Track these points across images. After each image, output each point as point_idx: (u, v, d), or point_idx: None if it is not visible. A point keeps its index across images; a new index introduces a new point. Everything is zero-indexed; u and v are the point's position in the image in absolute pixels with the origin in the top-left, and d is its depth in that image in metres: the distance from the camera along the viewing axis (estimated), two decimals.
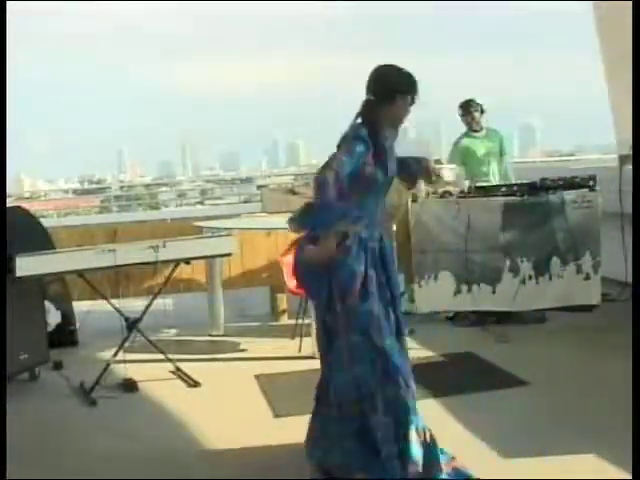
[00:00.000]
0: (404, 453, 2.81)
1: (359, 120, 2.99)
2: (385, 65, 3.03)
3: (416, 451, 2.82)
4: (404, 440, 2.82)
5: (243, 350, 5.25)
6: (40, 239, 5.06)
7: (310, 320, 4.90)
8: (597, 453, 3.12)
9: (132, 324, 4.56)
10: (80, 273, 4.48)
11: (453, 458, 3.00)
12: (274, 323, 6.05)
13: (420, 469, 2.81)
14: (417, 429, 2.86)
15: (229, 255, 4.86)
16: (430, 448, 2.88)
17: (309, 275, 3.01)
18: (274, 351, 5.06)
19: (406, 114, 3.02)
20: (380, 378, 2.87)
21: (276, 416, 3.85)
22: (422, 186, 5.49)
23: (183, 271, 4.92)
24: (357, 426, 2.86)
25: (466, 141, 6.16)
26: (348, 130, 2.96)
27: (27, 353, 4.49)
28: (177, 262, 4.61)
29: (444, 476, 2.88)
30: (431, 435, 2.92)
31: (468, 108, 6.11)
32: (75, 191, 25.15)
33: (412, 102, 3.00)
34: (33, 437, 3.71)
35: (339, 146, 2.93)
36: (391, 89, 2.97)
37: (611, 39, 6.57)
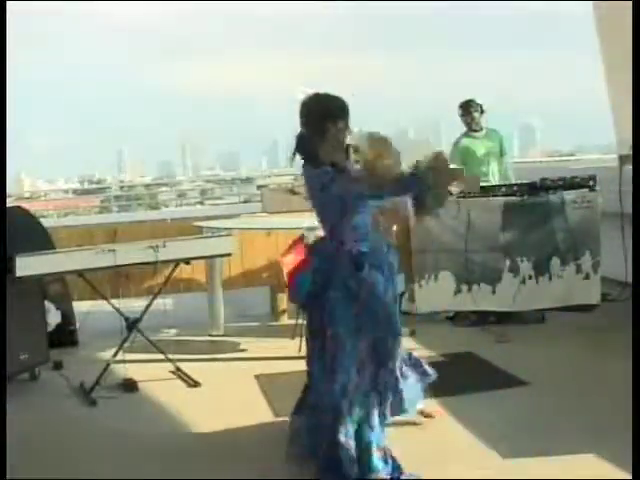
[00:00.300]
0: (366, 462, 2.92)
1: (298, 157, 3.05)
2: (312, 96, 3.05)
3: (376, 466, 2.93)
4: (367, 452, 2.95)
5: (243, 350, 5.25)
6: (40, 239, 5.05)
7: None
8: (597, 453, 3.12)
9: (132, 324, 4.56)
10: (80, 273, 4.48)
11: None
12: (274, 323, 6.05)
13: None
14: (378, 445, 2.98)
15: (229, 255, 4.86)
16: (389, 464, 2.97)
17: (306, 296, 3.14)
18: (274, 351, 5.06)
19: (343, 139, 3.02)
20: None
21: (276, 416, 3.85)
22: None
23: (183, 271, 4.92)
24: (328, 437, 2.98)
25: (466, 141, 6.16)
26: (314, 173, 3.03)
27: (27, 353, 4.49)
28: (177, 262, 4.61)
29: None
30: (390, 454, 3.01)
31: (468, 108, 6.11)
32: (75, 191, 25.17)
33: (346, 126, 3.02)
34: (33, 437, 3.71)
35: (315, 188, 3.05)
36: (322, 119, 2.99)
37: (611, 39, 6.57)
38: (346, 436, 2.93)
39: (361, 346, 3.03)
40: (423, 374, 3.44)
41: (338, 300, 3.02)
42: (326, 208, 3.10)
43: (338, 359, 3.02)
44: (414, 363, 3.46)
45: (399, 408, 3.23)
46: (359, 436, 2.98)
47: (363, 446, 2.96)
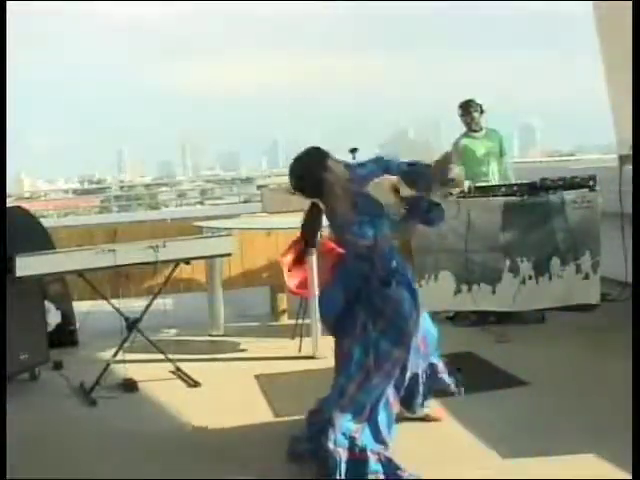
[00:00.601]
0: (365, 466, 2.96)
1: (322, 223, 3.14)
2: (292, 166, 3.13)
3: (375, 466, 2.97)
4: (364, 456, 2.98)
5: (243, 350, 5.25)
6: (40, 239, 5.06)
7: (310, 320, 4.91)
8: (597, 453, 3.12)
9: (132, 324, 4.56)
10: (80, 273, 4.48)
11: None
12: (274, 323, 6.05)
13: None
14: (372, 450, 3.01)
15: (229, 255, 4.86)
16: (386, 466, 2.99)
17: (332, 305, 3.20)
18: (274, 351, 5.07)
19: (341, 174, 3.08)
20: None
21: (276, 416, 3.85)
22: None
23: (183, 271, 4.92)
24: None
25: (465, 141, 6.15)
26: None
27: (27, 353, 4.49)
28: (177, 262, 4.61)
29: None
30: (385, 456, 3.03)
31: (468, 108, 6.10)
32: (75, 191, 25.21)
33: (331, 160, 3.09)
34: (33, 437, 3.71)
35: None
36: (316, 182, 3.04)
37: (611, 39, 6.57)
38: (335, 444, 2.96)
39: (372, 357, 3.07)
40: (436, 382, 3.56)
41: (362, 316, 3.08)
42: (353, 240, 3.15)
43: (344, 365, 3.09)
44: (433, 371, 3.56)
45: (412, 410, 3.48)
46: (354, 442, 3.00)
47: (359, 450, 2.99)
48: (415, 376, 3.43)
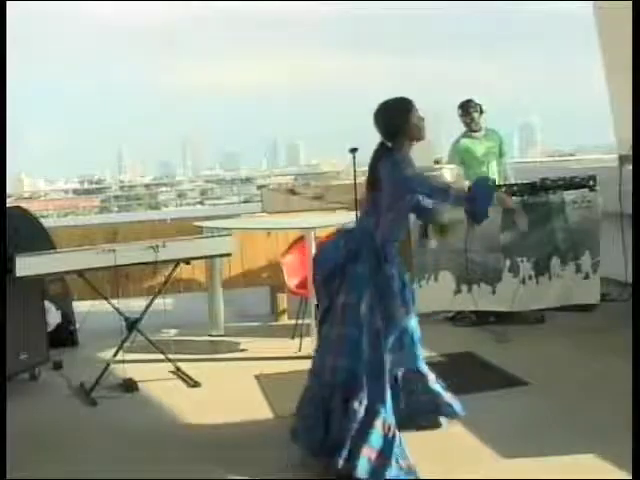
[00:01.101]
0: (365, 439, 2.98)
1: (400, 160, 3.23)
2: (379, 110, 3.31)
3: (376, 440, 2.99)
4: (370, 427, 3.00)
5: (243, 350, 5.25)
6: (40, 239, 5.06)
7: (310, 320, 4.91)
8: (597, 453, 3.12)
9: (132, 324, 4.56)
10: (80, 273, 4.48)
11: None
12: (274, 323, 6.05)
13: (374, 455, 2.97)
14: (384, 422, 3.03)
15: (229, 255, 4.86)
16: (389, 442, 3.01)
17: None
18: (274, 351, 5.07)
19: (422, 127, 3.32)
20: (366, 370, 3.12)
21: (276, 416, 3.85)
22: None
23: (183, 271, 4.92)
24: (331, 408, 3.10)
25: (465, 141, 6.15)
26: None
27: (27, 353, 4.49)
28: (177, 262, 4.61)
29: (393, 472, 2.97)
30: (394, 432, 3.04)
31: (467, 108, 6.10)
32: (75, 191, 25.26)
33: (418, 116, 3.30)
34: (33, 437, 3.71)
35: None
36: (397, 128, 3.26)
37: (611, 39, 6.57)
38: (360, 403, 3.02)
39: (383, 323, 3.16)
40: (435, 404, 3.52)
41: (361, 274, 3.17)
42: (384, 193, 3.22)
43: (348, 332, 3.14)
44: (422, 380, 3.50)
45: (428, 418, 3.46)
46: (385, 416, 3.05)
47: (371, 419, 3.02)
48: (394, 378, 3.36)
